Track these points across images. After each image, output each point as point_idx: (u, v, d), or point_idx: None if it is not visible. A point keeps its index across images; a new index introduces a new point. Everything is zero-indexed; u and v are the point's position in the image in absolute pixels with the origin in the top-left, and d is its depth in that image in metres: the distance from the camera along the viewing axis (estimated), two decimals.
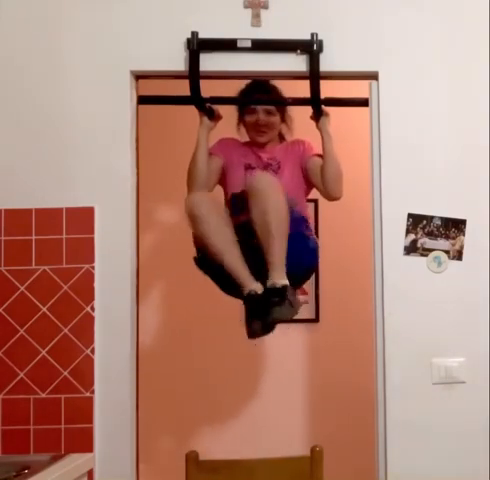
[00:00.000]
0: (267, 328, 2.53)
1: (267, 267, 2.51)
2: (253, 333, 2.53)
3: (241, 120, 2.76)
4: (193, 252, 2.62)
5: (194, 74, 2.47)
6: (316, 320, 3.71)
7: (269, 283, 2.51)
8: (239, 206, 2.61)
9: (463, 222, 2.52)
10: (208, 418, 3.56)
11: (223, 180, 2.73)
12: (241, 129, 2.76)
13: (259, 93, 2.72)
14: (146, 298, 3.34)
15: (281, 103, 2.83)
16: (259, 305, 2.51)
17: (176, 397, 3.63)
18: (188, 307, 3.69)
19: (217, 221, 2.48)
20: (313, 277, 3.61)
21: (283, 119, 2.77)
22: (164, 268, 3.61)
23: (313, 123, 2.73)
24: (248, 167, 2.68)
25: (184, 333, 3.68)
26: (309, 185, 2.75)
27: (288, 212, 2.49)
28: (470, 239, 2.52)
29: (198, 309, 3.65)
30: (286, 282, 2.52)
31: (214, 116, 2.66)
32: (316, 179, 2.70)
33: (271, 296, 2.49)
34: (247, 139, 2.78)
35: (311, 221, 2.83)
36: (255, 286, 2.52)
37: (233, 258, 2.50)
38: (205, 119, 2.64)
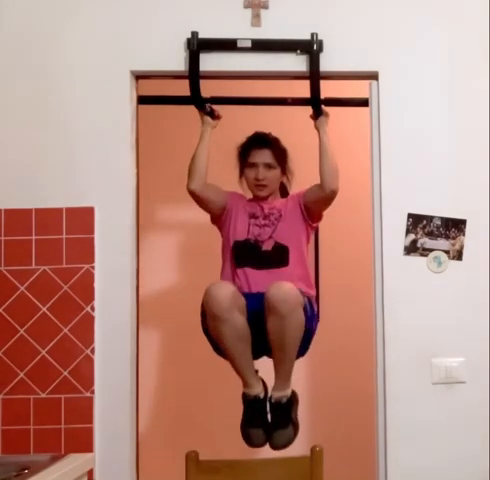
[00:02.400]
0: (267, 440, 2.51)
1: (274, 372, 2.53)
2: (254, 443, 2.50)
3: (242, 175, 2.74)
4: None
5: (194, 74, 2.47)
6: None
7: (275, 396, 2.53)
8: (241, 255, 2.61)
9: (463, 222, 2.52)
10: (208, 418, 3.56)
11: (226, 225, 2.70)
12: (243, 184, 2.75)
13: (259, 145, 2.70)
14: (146, 298, 3.34)
15: (281, 103, 2.83)
16: (261, 413, 2.53)
17: (176, 397, 3.63)
18: (188, 307, 3.69)
19: (236, 321, 2.42)
20: (313, 276, 3.61)
21: (284, 172, 2.75)
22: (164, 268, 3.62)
23: (312, 122, 2.72)
24: (252, 216, 2.67)
25: (185, 333, 3.68)
26: (310, 225, 2.71)
27: (303, 326, 2.48)
28: (470, 239, 2.52)
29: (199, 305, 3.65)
30: (290, 392, 2.55)
31: (214, 116, 2.66)
32: (313, 193, 2.67)
33: (276, 411, 2.52)
34: (250, 195, 2.76)
35: (311, 274, 2.78)
36: (259, 390, 2.54)
37: (243, 358, 2.49)
38: (207, 118, 2.64)
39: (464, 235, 2.52)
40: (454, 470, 2.45)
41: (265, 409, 2.55)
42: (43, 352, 2.39)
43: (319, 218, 2.74)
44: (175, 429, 3.62)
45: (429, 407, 2.47)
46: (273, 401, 2.53)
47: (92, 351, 2.40)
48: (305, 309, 2.49)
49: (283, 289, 2.39)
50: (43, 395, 2.38)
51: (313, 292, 2.71)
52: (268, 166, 2.68)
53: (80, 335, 2.40)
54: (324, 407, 3.63)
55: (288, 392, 2.55)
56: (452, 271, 2.51)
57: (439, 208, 2.53)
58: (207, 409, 3.59)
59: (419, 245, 2.51)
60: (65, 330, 2.40)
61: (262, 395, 2.54)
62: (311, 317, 2.57)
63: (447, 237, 2.52)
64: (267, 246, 2.62)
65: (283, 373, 2.53)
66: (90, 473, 2.26)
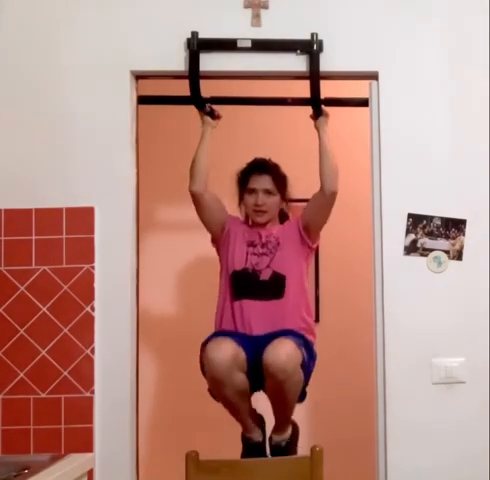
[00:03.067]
0: None
1: (274, 416, 2.54)
2: None
3: (241, 201, 2.73)
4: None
5: (194, 74, 2.47)
6: (316, 320, 3.70)
7: (274, 439, 2.55)
8: (239, 286, 2.60)
9: (463, 222, 2.52)
10: (208, 418, 3.55)
11: (224, 251, 2.68)
12: (242, 210, 2.74)
13: (259, 171, 2.69)
14: (146, 297, 3.34)
15: (281, 103, 2.82)
16: (260, 454, 2.57)
17: (176, 397, 3.63)
18: (188, 306, 3.69)
19: (236, 382, 2.41)
20: (313, 277, 3.61)
21: (283, 199, 2.73)
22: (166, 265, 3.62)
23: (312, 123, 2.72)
24: (250, 244, 2.65)
25: (185, 333, 3.68)
26: (310, 247, 2.70)
27: (302, 382, 2.48)
28: (470, 239, 2.52)
29: (199, 306, 3.66)
30: (289, 433, 2.57)
31: (214, 116, 2.66)
32: (313, 203, 2.66)
33: (275, 452, 2.55)
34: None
35: (311, 303, 2.78)
36: (257, 435, 2.57)
37: (242, 409, 2.51)
38: (207, 118, 2.64)
39: (464, 235, 2.52)
40: (454, 470, 2.44)
41: (264, 450, 2.59)
42: (43, 352, 2.39)
43: (318, 236, 2.71)
44: (175, 429, 3.62)
45: (429, 407, 2.47)
46: (273, 444, 2.56)
47: (92, 351, 2.40)
48: (305, 355, 2.47)
49: (281, 357, 2.33)
50: (43, 395, 2.38)
51: (313, 329, 2.68)
52: (268, 192, 2.66)
53: (80, 335, 2.40)
54: (324, 407, 3.63)
55: (287, 434, 2.57)
56: (452, 271, 2.51)
57: (439, 208, 2.53)
58: (207, 409, 3.58)
59: (419, 245, 2.51)
60: (65, 330, 2.40)
61: (261, 439, 2.59)
62: (309, 361, 2.54)
63: (447, 237, 2.52)
64: (265, 276, 2.60)
65: (282, 418, 2.54)
66: (90, 473, 2.25)
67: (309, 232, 2.66)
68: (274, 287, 2.59)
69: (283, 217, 2.79)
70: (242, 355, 2.43)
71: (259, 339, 2.48)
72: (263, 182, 2.67)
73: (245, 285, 2.60)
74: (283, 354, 2.35)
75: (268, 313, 2.57)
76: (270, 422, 2.58)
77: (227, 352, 2.38)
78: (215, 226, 2.68)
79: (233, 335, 2.51)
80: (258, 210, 2.66)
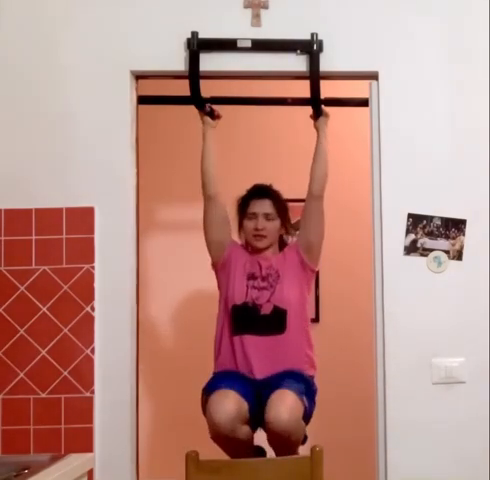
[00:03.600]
0: None
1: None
2: None
3: (241, 228, 2.71)
4: None
5: (194, 74, 2.47)
6: (316, 320, 3.70)
7: None
8: (239, 321, 2.58)
9: (463, 222, 2.52)
10: None
11: (224, 282, 2.66)
12: (242, 237, 2.72)
13: (260, 196, 2.68)
14: (146, 297, 3.35)
15: (281, 103, 2.83)
16: None
17: (176, 397, 3.63)
18: (188, 305, 3.69)
19: (240, 436, 2.40)
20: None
21: (284, 224, 2.71)
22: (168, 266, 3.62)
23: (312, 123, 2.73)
24: (250, 277, 2.62)
25: (185, 333, 3.69)
26: (311, 270, 2.69)
27: (304, 431, 2.49)
28: (470, 239, 2.52)
29: (200, 305, 3.66)
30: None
31: (214, 116, 2.66)
32: (301, 219, 2.67)
33: None
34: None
35: (310, 325, 2.72)
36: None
37: (244, 455, 2.47)
38: (207, 118, 2.64)
39: (464, 235, 2.52)
40: (454, 470, 2.44)
41: None
42: (43, 352, 2.39)
43: (319, 255, 2.69)
44: (175, 429, 3.62)
45: (429, 407, 2.47)
46: None
47: (92, 351, 2.40)
48: (306, 404, 2.46)
49: (283, 416, 2.31)
50: (43, 395, 2.38)
51: (315, 362, 2.67)
52: (268, 216, 2.64)
53: (80, 335, 2.40)
54: (324, 407, 3.63)
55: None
56: (452, 271, 2.51)
57: (439, 208, 2.53)
58: None
59: (419, 245, 2.51)
60: (65, 330, 2.40)
61: None
62: (310, 408, 2.53)
63: (447, 237, 2.52)
64: (266, 310, 2.58)
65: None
66: (90, 473, 2.25)
67: (309, 251, 2.65)
68: (275, 322, 2.57)
69: (282, 245, 2.75)
70: (245, 407, 2.41)
71: (261, 382, 2.48)
72: (263, 206, 2.65)
73: (245, 320, 2.57)
74: (284, 412, 2.31)
75: (269, 350, 2.56)
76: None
77: (230, 407, 2.34)
78: (217, 245, 2.66)
79: (234, 380, 2.48)
80: (258, 235, 2.63)
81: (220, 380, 2.51)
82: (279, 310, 2.57)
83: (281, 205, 2.70)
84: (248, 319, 2.57)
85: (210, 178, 2.61)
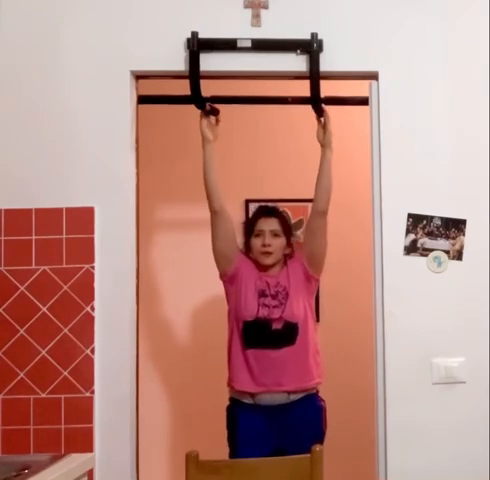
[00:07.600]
0: None
1: None
2: None
3: (247, 244, 2.76)
4: None
5: (194, 74, 2.47)
6: (316, 320, 3.70)
7: None
8: (251, 336, 2.64)
9: (463, 222, 2.52)
10: (208, 418, 3.56)
11: (233, 295, 2.71)
12: (249, 255, 2.76)
13: (266, 214, 2.75)
14: (146, 297, 3.35)
15: (281, 102, 2.82)
16: None
17: (176, 397, 3.63)
18: (188, 305, 3.69)
19: None
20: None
21: (288, 243, 2.76)
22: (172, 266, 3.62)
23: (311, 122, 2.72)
24: (261, 295, 2.68)
25: (185, 331, 3.69)
26: (315, 280, 2.76)
27: None
28: (470, 239, 2.52)
29: (200, 306, 3.66)
30: None
31: (215, 113, 2.66)
32: (305, 233, 2.74)
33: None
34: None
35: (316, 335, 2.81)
36: None
37: None
38: (206, 133, 2.63)
39: (464, 235, 2.52)
40: (454, 470, 2.44)
41: None
42: (43, 352, 2.39)
43: (322, 266, 2.75)
44: (175, 429, 3.62)
45: (429, 407, 2.47)
46: None
47: (92, 351, 2.40)
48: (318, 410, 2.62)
49: None
50: (43, 395, 2.38)
51: (322, 369, 2.75)
52: (274, 234, 2.71)
53: (80, 335, 2.40)
54: None
55: None
56: (452, 271, 2.51)
57: (439, 208, 2.53)
58: (207, 409, 3.58)
59: (419, 245, 2.51)
60: (65, 330, 2.40)
61: None
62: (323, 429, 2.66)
63: (447, 237, 2.52)
64: (277, 325, 2.65)
65: None
66: (90, 473, 2.26)
67: (314, 263, 2.72)
68: (287, 336, 2.65)
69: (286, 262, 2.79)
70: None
71: (277, 396, 2.62)
72: (270, 224, 2.72)
73: (258, 335, 2.64)
74: None
75: (282, 361, 2.63)
76: None
77: None
78: (225, 257, 2.71)
79: (254, 447, 2.60)
80: (265, 251, 2.69)
81: (241, 450, 2.65)
82: (290, 324, 2.65)
83: (286, 224, 2.79)
84: (260, 334, 2.64)
85: (214, 193, 2.65)
